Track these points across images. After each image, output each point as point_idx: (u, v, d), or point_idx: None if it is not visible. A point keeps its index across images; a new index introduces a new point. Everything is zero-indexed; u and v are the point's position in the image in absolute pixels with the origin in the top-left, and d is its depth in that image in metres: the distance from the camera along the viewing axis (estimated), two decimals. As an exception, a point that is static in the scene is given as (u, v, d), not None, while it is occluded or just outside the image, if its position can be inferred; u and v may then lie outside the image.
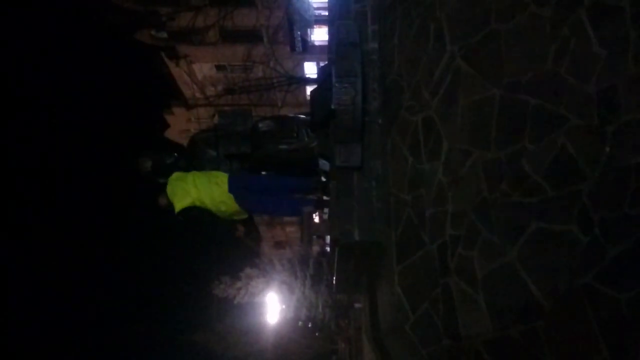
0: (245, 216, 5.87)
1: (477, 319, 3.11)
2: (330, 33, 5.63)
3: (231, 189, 5.43)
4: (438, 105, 3.70)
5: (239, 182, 5.54)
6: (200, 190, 5.41)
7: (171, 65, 26.76)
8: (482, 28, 3.17)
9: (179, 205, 5.42)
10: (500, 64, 3.00)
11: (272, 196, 5.65)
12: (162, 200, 5.56)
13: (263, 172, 5.90)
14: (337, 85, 4.51)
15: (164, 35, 23.19)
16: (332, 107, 4.55)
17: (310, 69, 28.05)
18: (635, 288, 2.07)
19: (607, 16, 2.30)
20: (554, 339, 2.52)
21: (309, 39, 27.71)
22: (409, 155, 4.13)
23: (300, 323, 23.18)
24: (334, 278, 5.29)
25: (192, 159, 5.90)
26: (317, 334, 24.80)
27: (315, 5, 23.90)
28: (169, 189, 5.52)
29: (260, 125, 5.84)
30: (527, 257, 2.71)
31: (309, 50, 27.61)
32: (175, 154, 5.96)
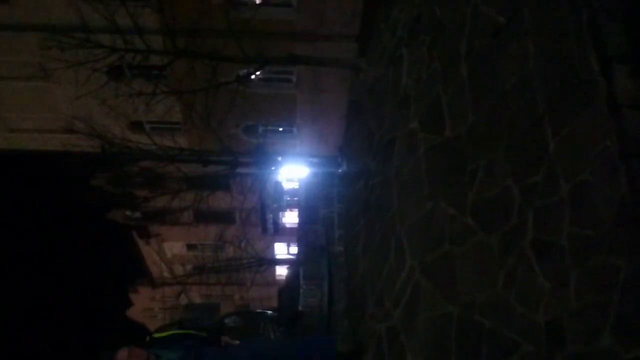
0: None
1: None
2: (299, 235, 5.92)
3: None
4: (400, 317, 3.80)
5: None
6: None
7: (141, 243, 26.69)
8: (438, 247, 3.42)
9: None
10: (454, 283, 3.18)
11: None
12: None
13: None
14: (304, 287, 4.64)
15: (138, 215, 23.54)
16: (299, 308, 4.62)
17: (281, 250, 28.31)
18: None
19: (548, 251, 2.50)
20: None
21: (280, 222, 28.42)
22: (375, 364, 4.11)
23: None
24: None
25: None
26: None
27: (286, 190, 24.95)
28: None
29: (226, 320, 5.80)
30: None
31: (279, 232, 28.15)
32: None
